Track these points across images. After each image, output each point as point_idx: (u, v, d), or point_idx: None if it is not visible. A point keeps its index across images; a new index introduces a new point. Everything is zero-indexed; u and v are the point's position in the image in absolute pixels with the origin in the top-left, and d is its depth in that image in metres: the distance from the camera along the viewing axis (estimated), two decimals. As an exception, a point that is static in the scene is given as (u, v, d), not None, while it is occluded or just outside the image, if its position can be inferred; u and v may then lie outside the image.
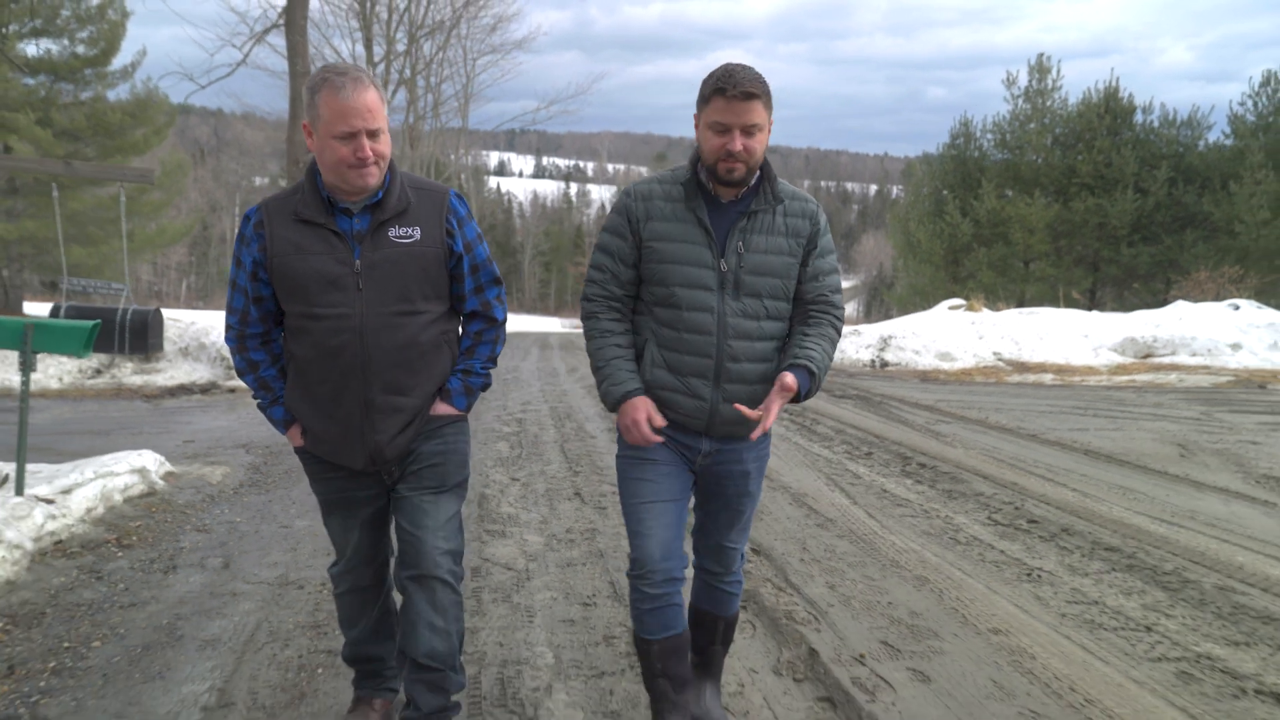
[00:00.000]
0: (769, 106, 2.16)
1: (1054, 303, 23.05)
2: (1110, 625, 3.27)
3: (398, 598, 2.43)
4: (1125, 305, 25.27)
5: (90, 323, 4.32)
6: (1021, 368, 15.92)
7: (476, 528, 4.51)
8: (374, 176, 2.13)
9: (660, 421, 2.23)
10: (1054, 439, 7.71)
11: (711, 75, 2.16)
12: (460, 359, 2.37)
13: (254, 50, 14.99)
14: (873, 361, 16.62)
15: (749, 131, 2.11)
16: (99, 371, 12.03)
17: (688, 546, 2.45)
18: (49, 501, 4.44)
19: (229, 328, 2.32)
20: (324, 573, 3.68)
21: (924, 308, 22.83)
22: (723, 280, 2.20)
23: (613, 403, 2.26)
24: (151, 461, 5.47)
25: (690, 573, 2.44)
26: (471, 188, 37.61)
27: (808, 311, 2.31)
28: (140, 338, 4.81)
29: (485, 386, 2.39)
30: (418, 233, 2.21)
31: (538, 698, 2.66)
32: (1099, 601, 3.51)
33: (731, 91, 2.09)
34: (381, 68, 20.02)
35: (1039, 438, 7.79)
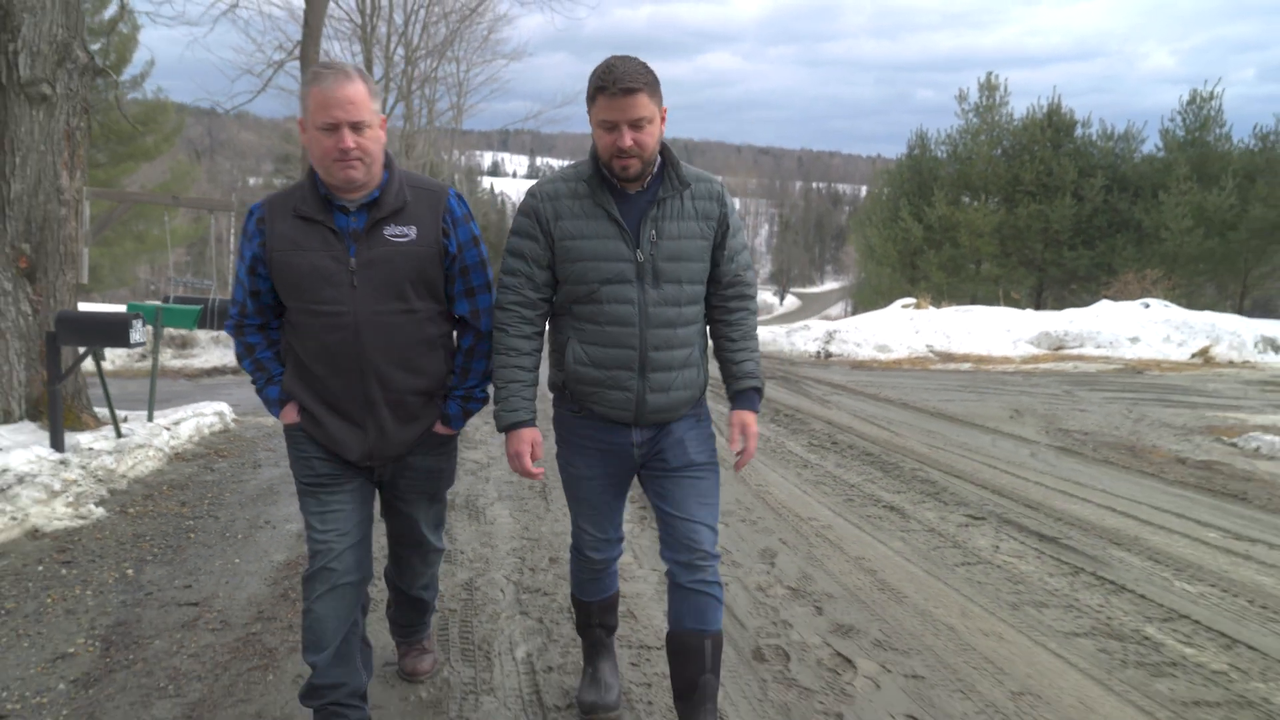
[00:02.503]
0: (655, 96, 2.15)
1: (999, 302, 25.20)
2: (830, 484, 5.48)
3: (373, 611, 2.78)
4: (1065, 304, 27.53)
5: (197, 308, 6.45)
6: (948, 358, 17.80)
7: (459, 448, 6.68)
8: (357, 171, 2.13)
9: (540, 454, 2.33)
10: (919, 406, 9.79)
11: (594, 73, 2.15)
12: (456, 378, 2.38)
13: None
14: (818, 353, 18.57)
15: (637, 125, 2.12)
16: (144, 356, 14.15)
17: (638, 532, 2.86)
18: (168, 429, 6.59)
19: (229, 317, 2.40)
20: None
21: (881, 306, 25.01)
22: (640, 271, 2.21)
23: (502, 428, 2.29)
24: (225, 409, 7.62)
25: (655, 582, 2.69)
26: (465, 188, 39.66)
27: (727, 302, 2.36)
28: (225, 318, 6.82)
29: (484, 404, 2.43)
30: (414, 231, 2.22)
31: (486, 505, 4.87)
32: (837, 477, 5.72)
33: (611, 89, 2.09)
34: (381, 86, 22.20)
35: (908, 405, 9.87)
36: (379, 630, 2.95)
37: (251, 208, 2.30)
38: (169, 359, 14.15)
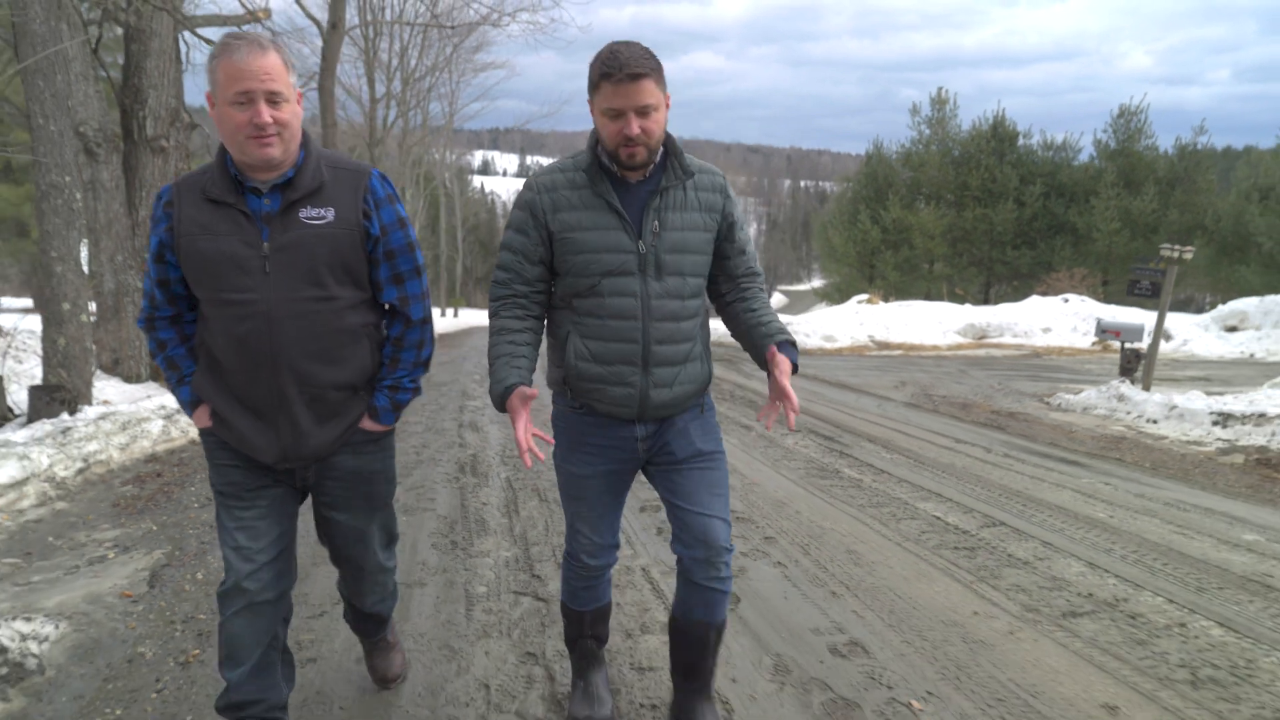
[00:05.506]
0: (661, 82, 2.09)
1: (945, 298, 27.82)
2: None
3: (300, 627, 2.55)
4: (1007, 300, 30.22)
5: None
6: (885, 346, 20.01)
7: (462, 399, 9.26)
8: (274, 147, 2.01)
9: (528, 420, 2.12)
10: (826, 378, 12.20)
11: (597, 59, 2.08)
12: (385, 369, 2.28)
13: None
14: (771, 342, 21.02)
15: (644, 112, 2.07)
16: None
17: (642, 526, 2.62)
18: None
19: (141, 309, 2.25)
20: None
21: (841, 302, 27.63)
22: (643, 262, 2.18)
23: (497, 401, 2.16)
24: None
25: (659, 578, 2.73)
26: (455, 188, 41.82)
27: (740, 286, 2.35)
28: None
29: (416, 394, 2.32)
30: (331, 213, 2.10)
31: (483, 424, 7.48)
32: (725, 416, 8.33)
33: (618, 75, 2.04)
34: (382, 105, 24.73)
35: (817, 378, 12.26)
36: (334, 622, 4.57)
37: (160, 190, 2.16)
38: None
